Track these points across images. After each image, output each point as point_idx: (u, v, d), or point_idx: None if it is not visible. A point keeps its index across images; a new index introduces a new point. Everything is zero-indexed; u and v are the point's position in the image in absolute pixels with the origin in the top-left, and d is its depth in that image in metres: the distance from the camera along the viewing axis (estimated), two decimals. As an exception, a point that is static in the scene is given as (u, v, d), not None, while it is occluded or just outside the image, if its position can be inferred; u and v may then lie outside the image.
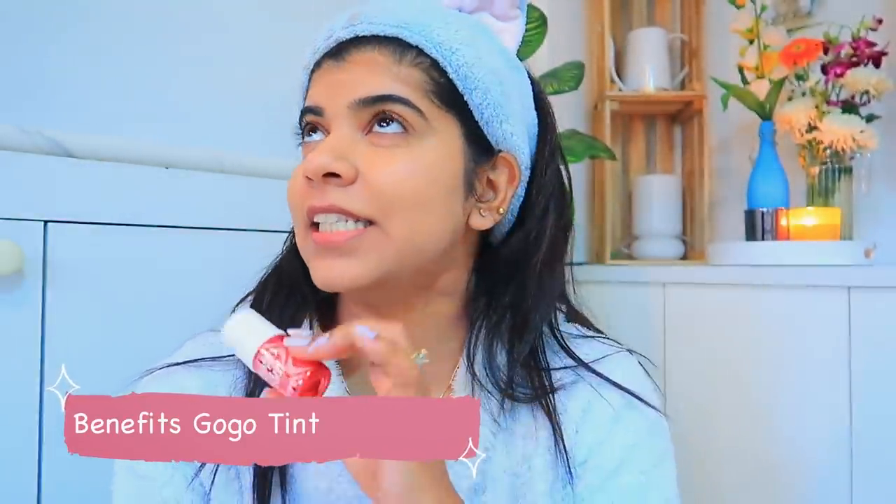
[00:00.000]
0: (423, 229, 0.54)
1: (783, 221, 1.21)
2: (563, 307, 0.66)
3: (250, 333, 0.46)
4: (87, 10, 0.95)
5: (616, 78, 1.49)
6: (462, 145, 0.56)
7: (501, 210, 0.59)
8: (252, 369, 0.46)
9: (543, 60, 1.40)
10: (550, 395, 0.60)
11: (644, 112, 1.60)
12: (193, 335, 0.62)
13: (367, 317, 0.59)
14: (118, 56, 0.98)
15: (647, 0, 1.63)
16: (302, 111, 0.58)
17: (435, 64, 0.54)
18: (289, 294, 0.61)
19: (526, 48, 1.31)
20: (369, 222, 0.52)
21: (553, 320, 0.64)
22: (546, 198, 0.61)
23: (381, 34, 0.54)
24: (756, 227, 1.23)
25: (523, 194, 0.61)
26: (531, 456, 0.59)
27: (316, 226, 0.54)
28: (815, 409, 1.01)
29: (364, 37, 0.54)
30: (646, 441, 0.61)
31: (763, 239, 1.22)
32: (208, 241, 0.92)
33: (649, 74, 1.49)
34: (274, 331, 0.46)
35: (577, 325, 0.67)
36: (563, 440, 0.59)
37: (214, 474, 0.54)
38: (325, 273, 0.53)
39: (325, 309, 0.62)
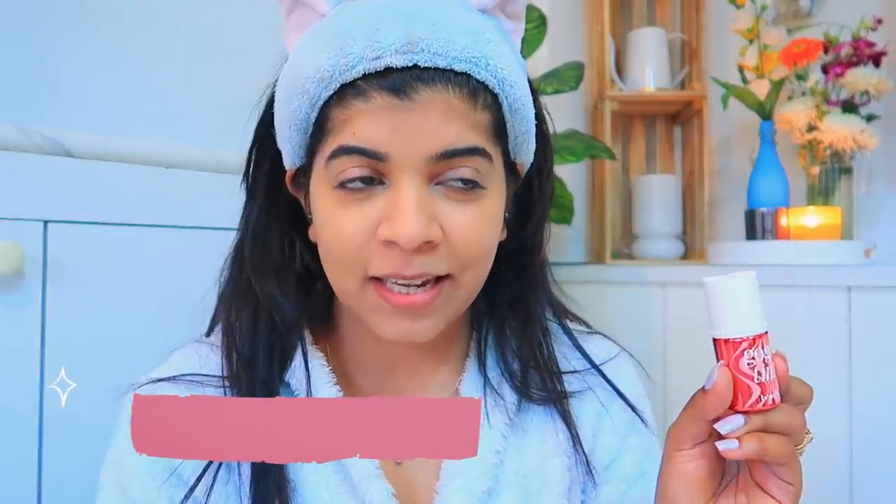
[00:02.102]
0: (485, 273, 0.54)
1: (783, 221, 1.21)
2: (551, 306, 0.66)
3: (751, 309, 0.42)
4: (87, 11, 0.95)
5: (616, 78, 1.49)
6: (504, 174, 0.54)
7: (507, 216, 0.59)
8: (719, 339, 0.43)
9: (543, 60, 1.40)
10: (566, 399, 0.60)
11: (644, 112, 1.60)
12: (181, 345, 0.60)
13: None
14: (118, 56, 0.98)
15: (647, 0, 1.62)
16: (347, 148, 0.48)
17: (495, 99, 0.50)
18: (268, 325, 0.57)
19: (526, 48, 1.31)
20: (443, 277, 0.50)
21: (566, 320, 0.65)
22: (546, 203, 0.62)
23: (448, 68, 0.47)
24: (756, 226, 1.23)
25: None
26: (548, 458, 0.59)
27: (378, 281, 0.50)
28: (814, 409, 1.01)
29: (426, 68, 0.47)
30: (651, 447, 0.64)
31: (763, 239, 1.22)
32: (208, 241, 0.92)
33: (649, 74, 1.49)
34: (766, 326, 0.42)
35: (572, 321, 0.68)
36: (581, 443, 0.59)
37: (210, 489, 0.53)
38: (404, 332, 0.51)
39: (318, 317, 0.61)
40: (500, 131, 0.52)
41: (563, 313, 0.66)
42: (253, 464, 0.53)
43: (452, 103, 0.47)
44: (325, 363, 0.58)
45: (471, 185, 0.49)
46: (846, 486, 0.98)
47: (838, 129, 1.17)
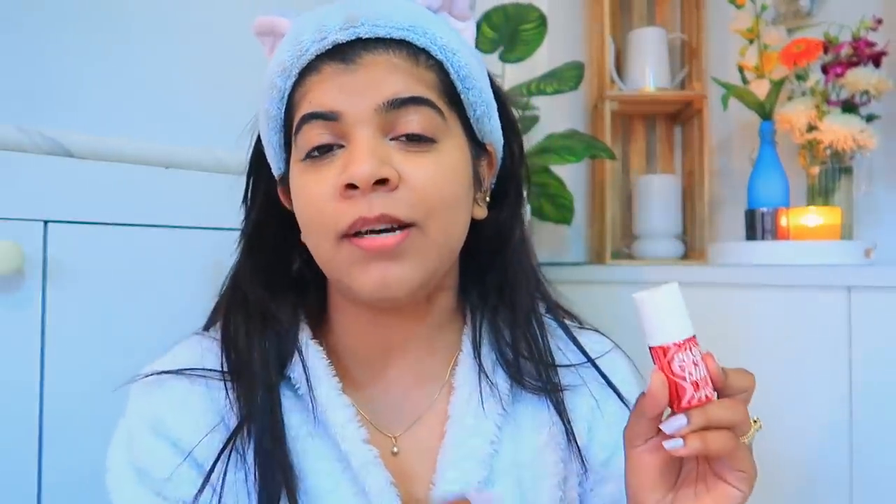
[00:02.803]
0: (455, 229, 0.56)
1: (783, 221, 1.21)
2: (544, 303, 0.67)
3: (676, 317, 0.47)
4: (87, 11, 0.95)
5: (616, 78, 1.49)
6: (466, 142, 0.58)
7: (487, 198, 0.62)
8: (653, 347, 0.47)
9: (543, 60, 1.40)
10: (560, 392, 0.61)
11: (644, 112, 1.60)
12: (187, 337, 0.61)
13: (367, 316, 0.60)
14: (118, 56, 0.98)
15: (647, 0, 1.62)
16: (305, 117, 0.53)
17: (440, 65, 0.55)
18: (262, 331, 0.59)
19: (526, 48, 1.31)
20: (409, 225, 0.52)
21: (555, 312, 0.66)
22: (518, 182, 0.64)
23: (388, 37, 0.53)
24: (756, 227, 1.23)
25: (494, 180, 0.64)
26: (542, 450, 0.60)
27: (349, 236, 0.52)
28: (814, 409, 1.01)
29: (368, 39, 0.52)
30: None
31: (763, 239, 1.22)
32: (208, 241, 0.92)
33: (649, 74, 1.49)
34: (692, 330, 0.47)
35: (563, 316, 0.68)
36: (574, 436, 0.60)
37: (224, 475, 0.54)
38: (379, 281, 0.52)
39: (312, 313, 0.62)
40: (452, 96, 0.56)
41: (555, 307, 0.67)
42: (256, 449, 0.54)
43: (394, 62, 0.53)
44: (324, 356, 0.59)
45: (422, 139, 0.53)
46: (846, 486, 0.98)
47: (838, 129, 1.17)
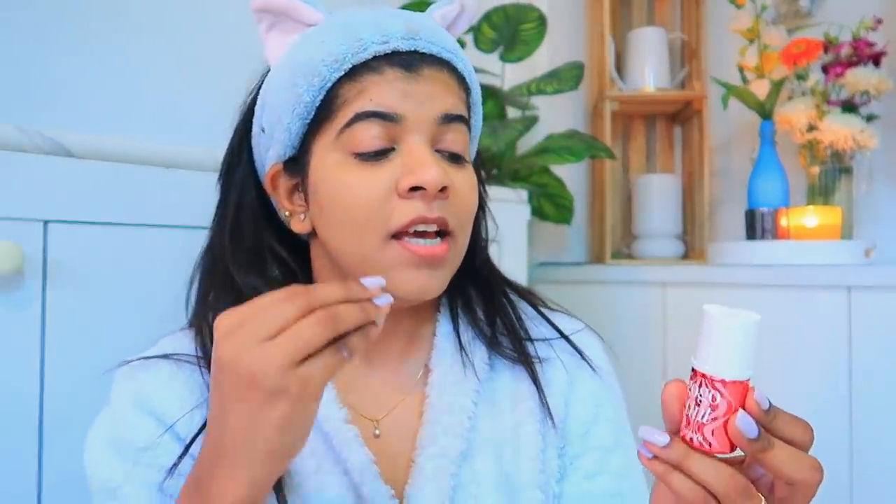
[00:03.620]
0: (468, 239, 0.60)
1: (783, 221, 1.21)
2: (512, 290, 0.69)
3: (728, 351, 0.42)
4: (87, 11, 0.96)
5: (616, 78, 1.49)
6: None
7: None
8: (693, 365, 0.43)
9: (543, 60, 1.41)
10: (537, 360, 0.63)
11: (644, 112, 1.60)
12: (171, 332, 0.63)
13: None
14: (118, 56, 0.98)
15: (647, 0, 1.63)
16: (364, 114, 0.54)
17: (467, 91, 0.60)
18: (258, 275, 0.60)
19: (526, 48, 1.31)
20: (446, 234, 0.56)
21: (525, 296, 0.69)
22: (480, 186, 0.66)
23: (440, 56, 0.56)
24: (756, 226, 1.23)
25: None
26: (520, 424, 0.61)
27: (396, 236, 0.54)
28: (815, 409, 1.01)
29: (424, 53, 0.56)
30: (623, 416, 0.66)
31: (763, 239, 1.22)
32: (208, 241, 0.92)
33: (649, 74, 1.49)
34: (741, 373, 0.42)
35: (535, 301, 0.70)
36: (549, 406, 0.62)
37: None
38: (424, 283, 0.55)
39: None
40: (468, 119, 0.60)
41: (525, 293, 0.70)
42: None
43: (447, 80, 0.57)
44: None
45: (457, 159, 0.57)
46: (846, 486, 0.98)
47: (838, 129, 1.17)
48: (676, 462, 0.42)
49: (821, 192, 1.23)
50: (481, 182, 0.67)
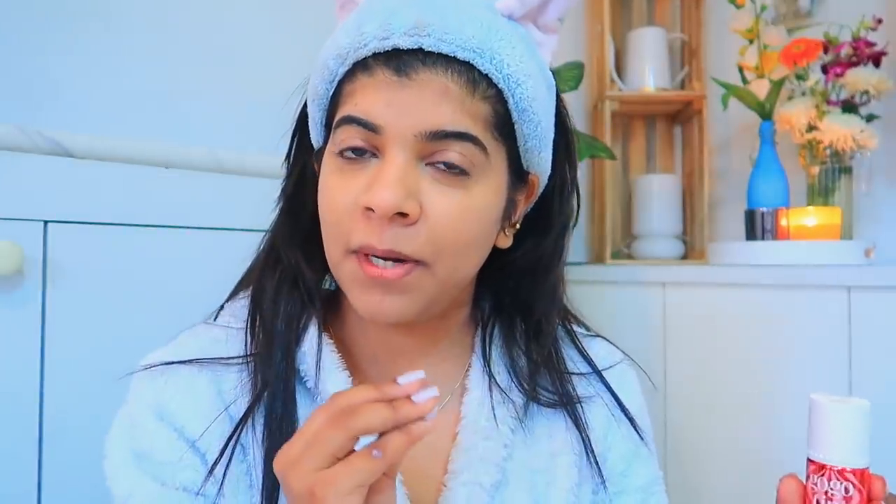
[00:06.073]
0: (466, 267, 0.54)
1: (783, 221, 1.21)
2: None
3: (841, 438, 0.42)
4: (87, 11, 0.95)
5: (616, 78, 1.49)
6: (506, 176, 0.55)
7: (517, 225, 0.59)
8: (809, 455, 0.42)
9: (543, 60, 1.40)
10: (578, 403, 0.60)
11: (644, 112, 1.60)
12: (191, 327, 0.60)
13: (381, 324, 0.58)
14: (118, 56, 0.98)
15: (647, 0, 1.63)
16: (346, 118, 0.51)
17: (499, 94, 0.51)
18: (290, 291, 0.59)
19: (526, 48, 1.31)
20: (416, 261, 0.51)
21: (567, 323, 0.66)
22: (566, 221, 0.62)
23: (453, 55, 0.49)
24: (756, 226, 1.23)
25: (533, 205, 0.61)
26: (556, 455, 0.59)
27: (357, 253, 0.51)
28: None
29: (429, 52, 0.49)
30: (654, 451, 0.66)
31: (763, 239, 1.22)
32: (208, 241, 0.92)
33: (649, 74, 1.49)
34: (857, 461, 0.42)
35: (573, 323, 0.68)
36: (591, 445, 0.60)
37: (227, 466, 0.53)
38: (375, 307, 0.51)
39: (328, 308, 0.62)
40: (504, 128, 0.52)
41: (566, 316, 0.67)
42: (265, 436, 0.53)
43: (449, 87, 0.49)
44: (334, 349, 0.58)
45: (457, 171, 0.50)
46: (846, 486, 0.98)
47: (838, 129, 1.17)
48: None
49: (821, 192, 1.23)
50: (563, 210, 0.61)
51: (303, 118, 0.61)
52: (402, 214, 0.48)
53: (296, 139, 0.62)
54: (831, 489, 0.42)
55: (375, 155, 0.51)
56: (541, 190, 0.60)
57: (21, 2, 0.90)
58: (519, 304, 0.62)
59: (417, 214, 0.49)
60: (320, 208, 0.54)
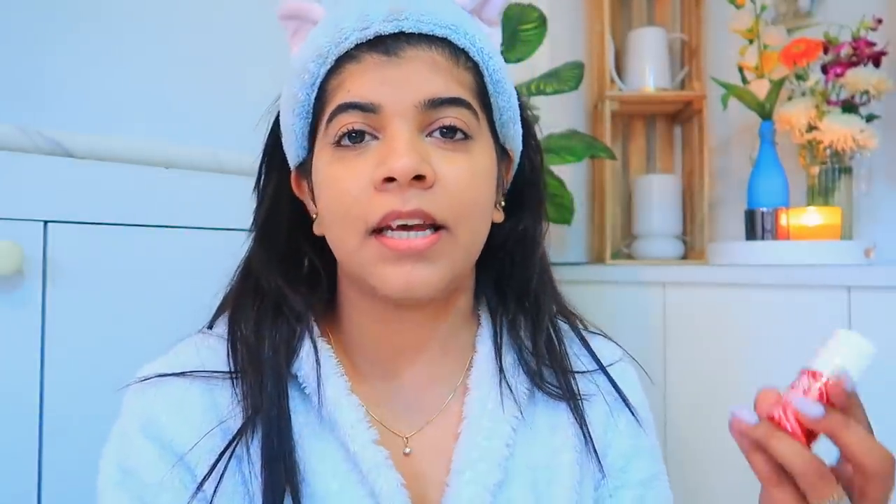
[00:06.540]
0: (482, 232, 0.56)
1: (783, 221, 1.21)
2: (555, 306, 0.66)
3: (838, 356, 0.47)
4: (86, 11, 0.96)
5: (616, 78, 1.49)
6: (493, 146, 0.57)
7: (503, 203, 0.61)
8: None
9: (543, 60, 1.40)
10: (580, 399, 0.61)
11: (644, 112, 1.60)
12: (188, 336, 0.60)
13: (382, 315, 0.59)
14: (117, 56, 0.98)
15: (647, 0, 1.63)
16: (342, 106, 0.52)
17: (476, 67, 0.55)
18: (275, 319, 0.58)
19: (526, 48, 1.31)
20: (440, 227, 0.52)
21: (570, 318, 0.66)
22: (539, 191, 0.64)
23: (431, 34, 0.52)
24: (756, 226, 1.23)
25: (509, 186, 0.63)
26: (558, 452, 0.59)
27: (377, 231, 0.51)
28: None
29: (411, 34, 0.52)
30: (657, 447, 0.66)
31: (763, 239, 1.22)
32: (208, 241, 0.92)
33: (649, 74, 1.49)
34: (846, 377, 0.47)
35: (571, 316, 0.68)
36: (592, 440, 0.60)
37: (219, 481, 0.52)
38: (405, 279, 0.51)
39: (325, 310, 0.62)
40: (483, 99, 0.56)
41: (567, 312, 0.67)
42: (263, 450, 0.52)
43: (436, 59, 0.52)
44: (332, 354, 0.58)
45: (460, 136, 0.53)
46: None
47: (838, 129, 1.17)
48: (762, 442, 0.45)
49: (821, 192, 1.23)
50: (536, 184, 0.63)
51: (272, 143, 0.62)
52: (420, 178, 0.50)
53: (264, 166, 0.62)
54: (798, 383, 0.46)
55: (375, 137, 0.52)
56: (515, 167, 0.62)
57: (21, 2, 0.90)
58: (516, 290, 0.63)
59: (433, 178, 0.51)
60: (325, 202, 0.54)
